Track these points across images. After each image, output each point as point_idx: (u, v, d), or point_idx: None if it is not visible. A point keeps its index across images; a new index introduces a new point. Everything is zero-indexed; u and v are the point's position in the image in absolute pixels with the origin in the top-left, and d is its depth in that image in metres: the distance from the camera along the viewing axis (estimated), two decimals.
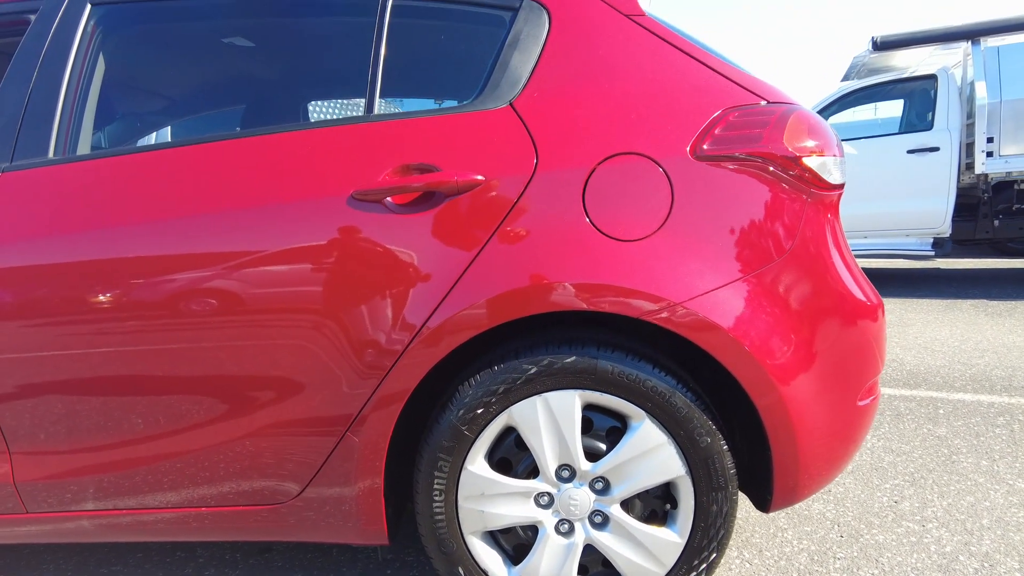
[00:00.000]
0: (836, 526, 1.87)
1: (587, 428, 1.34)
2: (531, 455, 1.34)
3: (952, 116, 5.45)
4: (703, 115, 1.32)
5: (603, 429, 1.34)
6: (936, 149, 5.43)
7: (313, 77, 1.66)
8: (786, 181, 1.30)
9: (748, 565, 1.70)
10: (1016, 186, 5.65)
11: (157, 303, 1.31)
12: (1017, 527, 1.82)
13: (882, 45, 5.51)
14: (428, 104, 1.53)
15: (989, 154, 5.26)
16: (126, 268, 1.31)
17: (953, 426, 2.60)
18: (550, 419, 1.30)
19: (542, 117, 1.32)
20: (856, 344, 1.36)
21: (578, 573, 1.40)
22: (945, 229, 5.50)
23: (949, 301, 5.20)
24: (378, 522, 1.39)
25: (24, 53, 1.50)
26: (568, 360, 1.28)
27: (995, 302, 5.08)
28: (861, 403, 1.40)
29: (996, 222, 5.68)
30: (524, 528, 1.39)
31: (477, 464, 1.33)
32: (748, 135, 1.30)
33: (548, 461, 1.31)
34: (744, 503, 2.01)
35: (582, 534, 1.36)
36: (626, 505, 1.36)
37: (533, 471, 1.35)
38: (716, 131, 1.30)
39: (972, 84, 5.41)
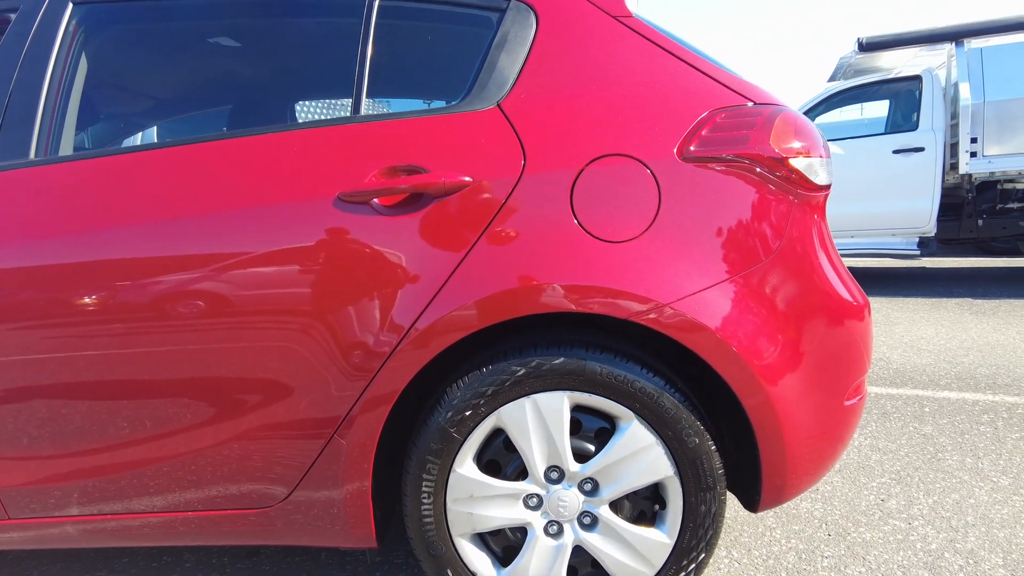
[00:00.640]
0: (824, 524, 1.88)
1: (576, 429, 1.34)
2: (520, 457, 1.34)
3: (937, 117, 5.51)
4: (690, 117, 1.32)
5: (592, 430, 1.34)
6: (921, 149, 5.48)
7: (299, 78, 1.65)
8: (773, 182, 1.31)
9: (737, 564, 1.70)
10: (999, 186, 5.72)
11: (141, 305, 1.29)
12: (1001, 524, 1.84)
13: (868, 46, 5.56)
14: (415, 105, 1.53)
15: (973, 154, 5.32)
16: (110, 270, 1.30)
17: (939, 424, 2.62)
18: (539, 421, 1.30)
19: (530, 118, 1.32)
20: (843, 344, 1.37)
21: (567, 574, 1.40)
22: (930, 229, 5.56)
23: (934, 300, 5.25)
24: (366, 525, 1.38)
25: (4, 53, 1.48)
26: (557, 362, 1.28)
27: (979, 301, 5.13)
28: (848, 402, 1.41)
29: (980, 222, 5.74)
30: (513, 530, 1.39)
31: (466, 466, 1.32)
32: (735, 137, 1.30)
33: (537, 463, 1.31)
34: (733, 502, 2.02)
35: (571, 535, 1.35)
36: (615, 506, 1.36)
37: (522, 473, 1.35)
38: (703, 132, 1.31)
39: (956, 85, 5.46)
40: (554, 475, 1.33)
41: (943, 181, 5.57)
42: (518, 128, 1.31)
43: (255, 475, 1.36)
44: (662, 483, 1.34)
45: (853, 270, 7.21)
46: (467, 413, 1.29)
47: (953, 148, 5.61)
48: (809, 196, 1.34)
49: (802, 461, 1.35)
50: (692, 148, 1.29)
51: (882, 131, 6.05)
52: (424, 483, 1.32)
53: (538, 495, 1.34)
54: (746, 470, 1.43)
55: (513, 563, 1.36)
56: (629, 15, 1.43)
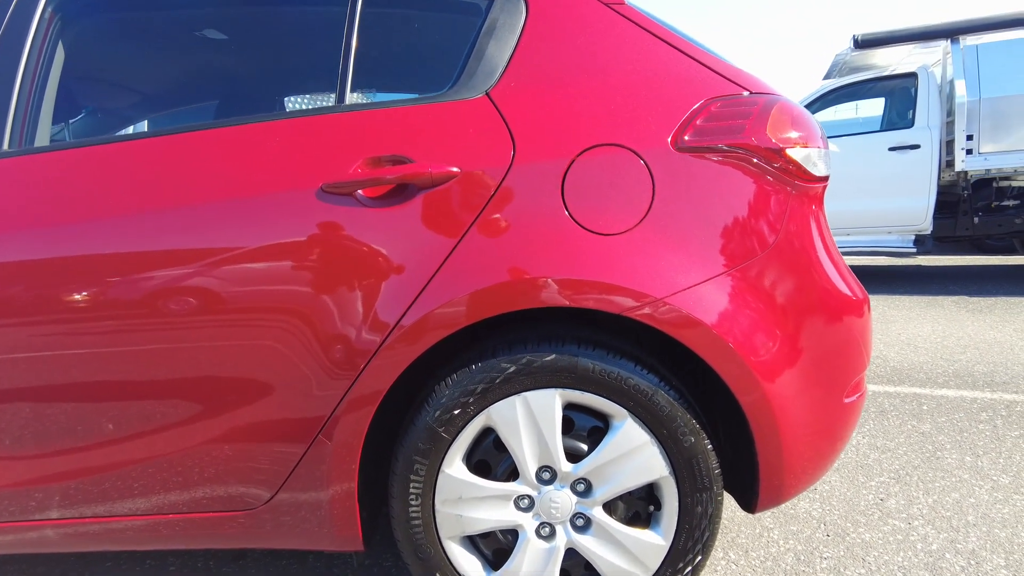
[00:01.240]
0: (822, 525, 1.85)
1: (568, 428, 1.30)
2: (510, 457, 1.30)
3: (932, 114, 5.49)
4: (685, 106, 1.28)
5: (584, 429, 1.30)
6: (917, 147, 5.46)
7: (283, 67, 1.60)
8: (770, 173, 1.27)
9: (734, 566, 1.66)
10: (995, 183, 5.70)
11: (119, 302, 1.25)
12: (1002, 523, 1.81)
13: (863, 43, 5.53)
14: (401, 95, 1.48)
15: (969, 152, 5.30)
16: (87, 266, 1.25)
17: (937, 422, 2.59)
18: (530, 419, 1.25)
19: (519, 107, 1.28)
20: (842, 340, 1.33)
21: None
22: (926, 226, 5.54)
23: (930, 298, 5.23)
24: (352, 527, 1.34)
25: None
26: (548, 358, 1.24)
27: (975, 298, 5.11)
28: (847, 400, 1.37)
29: (976, 219, 5.73)
30: (504, 532, 1.35)
31: (455, 467, 1.28)
32: (730, 126, 1.27)
33: (528, 463, 1.27)
34: (729, 503, 1.98)
35: (564, 537, 1.31)
36: (608, 507, 1.32)
37: (513, 473, 1.30)
38: (698, 122, 1.27)
39: (952, 82, 5.45)
40: (546, 475, 1.29)
41: (939, 179, 5.55)
42: (507, 117, 1.27)
43: (240, 476, 1.31)
44: (657, 483, 1.30)
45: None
46: (456, 412, 1.25)
47: (949, 145, 5.59)
48: (807, 188, 1.31)
49: (800, 460, 1.31)
50: (687, 138, 1.25)
51: (877, 128, 6.03)
52: (412, 484, 1.28)
53: (529, 496, 1.30)
54: (743, 470, 1.39)
55: (504, 566, 1.32)
56: (621, 2, 1.39)
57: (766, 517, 1.90)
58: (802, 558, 1.68)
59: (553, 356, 1.24)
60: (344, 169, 1.24)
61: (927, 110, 5.50)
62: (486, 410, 1.26)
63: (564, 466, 1.28)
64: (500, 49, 1.33)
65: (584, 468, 1.28)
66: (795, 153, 1.28)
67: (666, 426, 1.25)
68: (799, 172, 1.29)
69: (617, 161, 1.24)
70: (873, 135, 5.63)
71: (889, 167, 5.53)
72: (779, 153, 1.27)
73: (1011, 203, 5.72)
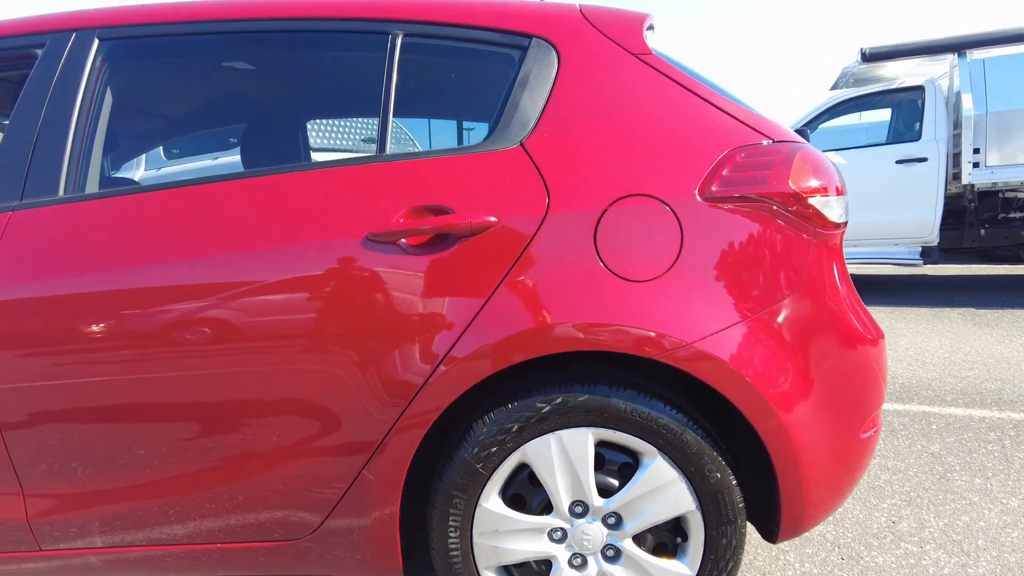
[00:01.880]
0: (836, 548, 1.90)
1: (599, 464, 1.37)
2: (544, 491, 1.36)
3: (939, 127, 5.54)
4: (711, 155, 1.34)
5: (615, 465, 1.37)
6: (924, 160, 5.51)
7: (323, 114, 1.66)
8: (792, 221, 1.33)
9: None
10: (1001, 195, 5.75)
11: (174, 336, 1.31)
12: (1012, 548, 1.86)
13: (871, 57, 5.59)
14: (440, 143, 1.54)
15: (975, 165, 5.35)
16: (142, 301, 1.32)
17: (946, 442, 2.64)
18: (564, 457, 1.32)
19: (553, 158, 1.34)
20: (860, 379, 1.39)
21: None
22: (933, 238, 5.59)
23: (937, 310, 5.27)
24: (392, 556, 1.40)
25: (32, 89, 1.49)
26: (581, 399, 1.30)
27: (982, 311, 5.16)
28: (864, 435, 1.43)
29: (982, 231, 5.77)
30: (538, 562, 1.41)
31: (491, 501, 1.34)
32: (754, 177, 1.33)
33: (562, 497, 1.33)
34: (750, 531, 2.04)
35: (595, 567, 1.38)
36: (637, 538, 1.39)
37: (546, 507, 1.37)
38: (723, 172, 1.33)
39: (958, 95, 5.50)
40: (578, 509, 1.35)
41: (946, 191, 5.60)
42: (541, 167, 1.34)
43: (283, 507, 1.38)
44: (684, 517, 1.36)
45: (855, 277, 7.24)
46: (493, 449, 1.32)
47: (955, 158, 5.64)
48: (827, 234, 1.37)
49: (819, 493, 1.37)
50: (713, 189, 1.31)
51: (882, 138, 6.08)
52: (451, 517, 1.34)
53: (563, 528, 1.36)
54: (764, 502, 1.45)
55: None
56: (648, 52, 1.45)
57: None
58: None
59: (586, 397, 1.30)
60: (388, 218, 1.31)
61: (934, 123, 5.55)
62: (522, 447, 1.32)
63: (596, 501, 1.34)
64: (533, 100, 1.39)
65: (615, 503, 1.34)
66: (815, 201, 1.35)
67: (694, 463, 1.32)
68: (819, 219, 1.35)
69: (647, 211, 1.30)
70: (881, 148, 5.68)
71: (896, 179, 5.58)
72: (801, 201, 1.33)
73: (1017, 215, 5.77)
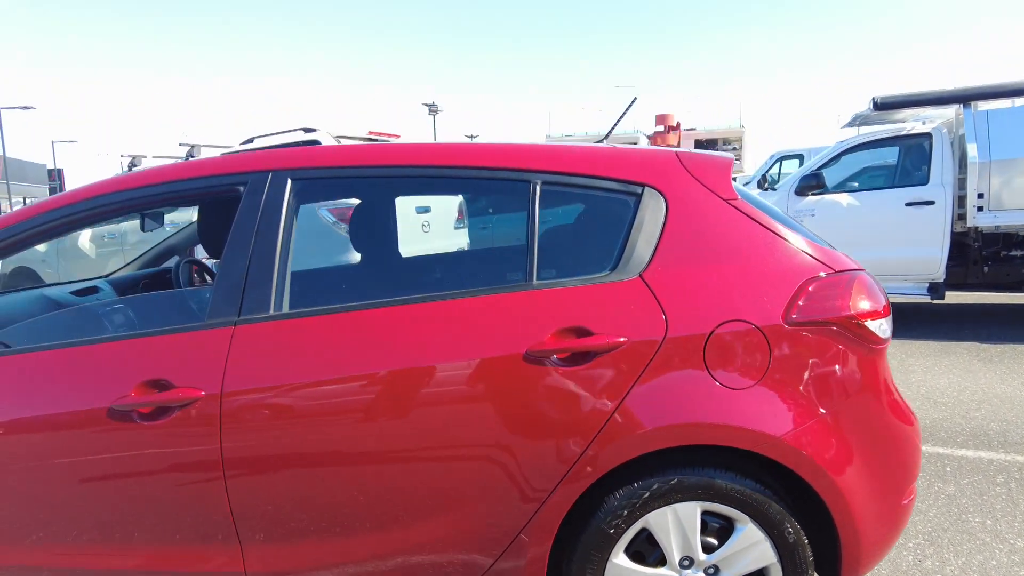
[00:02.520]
0: None
1: (702, 527, 1.74)
2: (660, 549, 1.74)
3: (946, 172, 5.94)
4: (789, 286, 1.73)
5: (715, 527, 1.75)
6: (932, 203, 5.92)
7: (481, 246, 2.04)
8: (851, 339, 1.71)
9: None
10: (1003, 235, 6.14)
11: (375, 427, 1.69)
12: None
13: (882, 105, 6.00)
14: (574, 273, 1.91)
15: (980, 208, 5.75)
16: (358, 393, 1.69)
17: (960, 484, 3.03)
18: (677, 524, 1.70)
19: (667, 288, 1.72)
20: (904, 457, 1.77)
21: None
22: (940, 275, 5.99)
23: (944, 344, 5.66)
24: None
25: (241, 222, 1.87)
26: (692, 479, 1.68)
27: (987, 345, 5.55)
28: (904, 502, 1.81)
29: (986, 268, 6.17)
30: None
31: (620, 557, 1.72)
32: (824, 305, 1.71)
33: (674, 555, 1.71)
34: None
35: None
36: None
37: (660, 560, 1.75)
38: (800, 302, 1.71)
39: (963, 138, 5.90)
40: (686, 563, 1.73)
41: (952, 231, 6.00)
42: (658, 296, 1.72)
43: (471, 550, 1.74)
44: (767, 568, 1.74)
45: None
46: (622, 517, 1.70)
47: (961, 200, 6.04)
48: (877, 348, 1.75)
49: (870, 550, 1.75)
50: (793, 316, 1.69)
51: (889, 176, 6.47)
52: (587, 570, 1.72)
53: None
54: (827, 556, 1.82)
55: None
56: (735, 197, 1.84)
57: None
58: None
59: (696, 478, 1.68)
60: (541, 337, 1.69)
61: (941, 169, 5.96)
62: (644, 516, 1.70)
63: (700, 556, 1.72)
64: (648, 240, 1.77)
65: (715, 558, 1.72)
66: (871, 324, 1.73)
67: (776, 528, 1.70)
68: (872, 337, 1.74)
69: (745, 334, 1.68)
70: (891, 191, 6.08)
71: (906, 220, 5.98)
72: (859, 324, 1.72)
73: (1019, 252, 6.16)
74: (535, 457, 1.68)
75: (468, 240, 1.88)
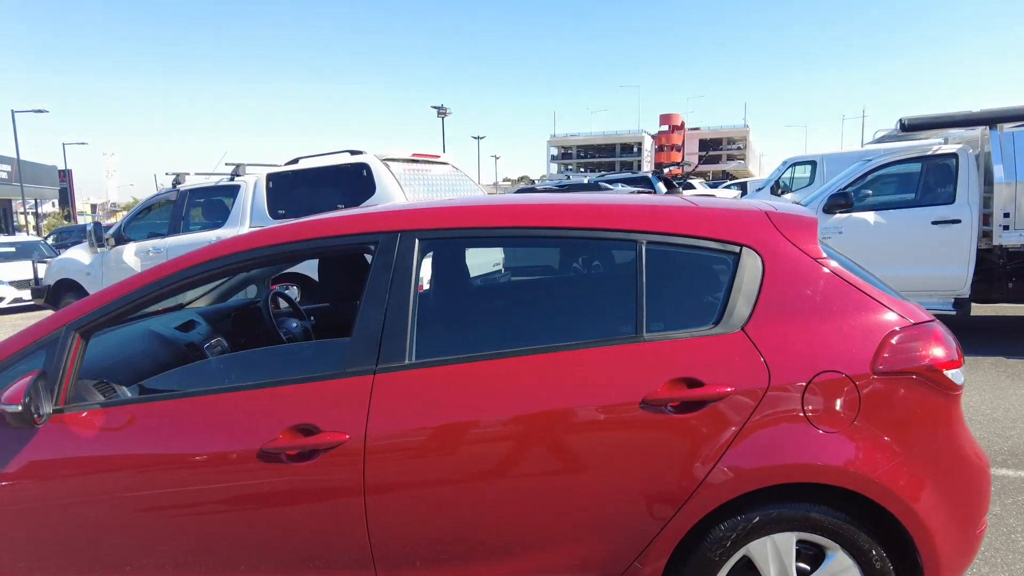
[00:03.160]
0: None
1: (796, 555, 1.95)
2: (758, 573, 1.94)
3: (972, 192, 6.12)
4: (875, 339, 1.92)
5: (808, 554, 1.95)
6: (958, 221, 6.10)
7: (592, 300, 2.25)
8: (931, 386, 1.91)
9: None
10: None
11: (508, 465, 1.89)
12: None
13: (909, 127, 6.18)
14: (678, 326, 2.11)
15: (1006, 227, 5.93)
16: (483, 439, 1.90)
17: (1005, 504, 3.22)
18: (775, 552, 1.90)
19: (767, 341, 1.92)
20: (978, 491, 1.97)
21: None
22: (965, 291, 6.17)
23: (971, 359, 5.84)
24: None
25: (375, 278, 2.08)
26: (789, 512, 1.88)
27: (1013, 360, 5.73)
28: (978, 531, 2.01)
29: (1010, 284, 6.35)
30: None
31: None
32: (906, 357, 1.91)
33: None
34: None
35: None
36: None
37: None
38: (885, 354, 1.91)
39: (988, 156, 6.08)
40: None
41: (978, 249, 6.17)
42: (760, 349, 1.92)
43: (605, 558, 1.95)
44: None
45: None
46: (727, 545, 1.90)
47: (986, 217, 6.21)
48: (953, 394, 1.95)
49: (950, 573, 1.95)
50: (880, 367, 1.89)
51: (912, 193, 6.63)
52: None
53: None
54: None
55: None
56: (822, 256, 2.04)
57: None
58: None
59: (793, 511, 1.88)
60: (655, 387, 1.89)
61: (967, 188, 6.14)
62: (746, 545, 1.91)
63: None
64: (748, 296, 1.98)
65: None
66: (948, 372, 1.93)
67: (864, 555, 1.90)
68: (949, 384, 1.93)
69: (838, 383, 1.88)
70: (916, 209, 6.27)
71: (932, 239, 6.17)
72: (937, 372, 1.92)
73: None
74: (652, 494, 1.88)
75: (579, 293, 2.09)
